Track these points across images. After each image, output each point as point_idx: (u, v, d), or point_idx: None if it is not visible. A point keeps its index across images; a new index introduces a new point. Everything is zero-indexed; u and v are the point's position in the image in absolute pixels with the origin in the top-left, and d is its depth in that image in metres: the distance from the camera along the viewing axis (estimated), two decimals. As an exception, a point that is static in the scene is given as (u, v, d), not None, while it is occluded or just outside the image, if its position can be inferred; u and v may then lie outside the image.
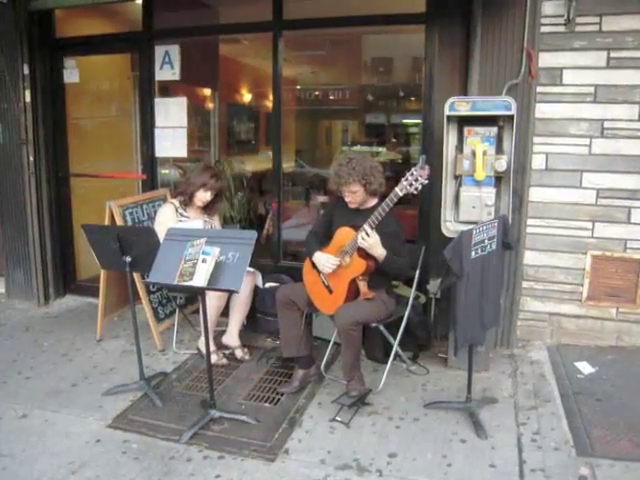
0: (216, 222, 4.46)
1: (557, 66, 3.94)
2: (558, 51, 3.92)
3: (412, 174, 3.18)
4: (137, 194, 5.23)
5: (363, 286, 3.45)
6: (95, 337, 4.54)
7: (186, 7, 5.24)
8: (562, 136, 4.00)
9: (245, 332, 4.42)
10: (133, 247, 3.47)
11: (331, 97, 7.44)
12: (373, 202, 3.58)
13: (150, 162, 5.22)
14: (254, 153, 8.04)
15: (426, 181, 3.19)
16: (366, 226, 3.29)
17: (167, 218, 4.15)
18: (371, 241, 3.28)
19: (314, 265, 3.60)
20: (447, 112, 3.63)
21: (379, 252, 3.35)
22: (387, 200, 3.25)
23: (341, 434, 3.19)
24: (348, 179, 3.42)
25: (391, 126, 7.91)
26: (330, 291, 3.54)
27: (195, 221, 4.22)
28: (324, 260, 3.51)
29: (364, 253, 3.37)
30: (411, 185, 3.19)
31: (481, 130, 3.63)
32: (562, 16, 3.84)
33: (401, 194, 3.22)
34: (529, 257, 4.20)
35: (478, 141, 3.60)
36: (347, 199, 3.54)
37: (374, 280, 3.49)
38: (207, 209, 4.34)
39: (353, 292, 3.49)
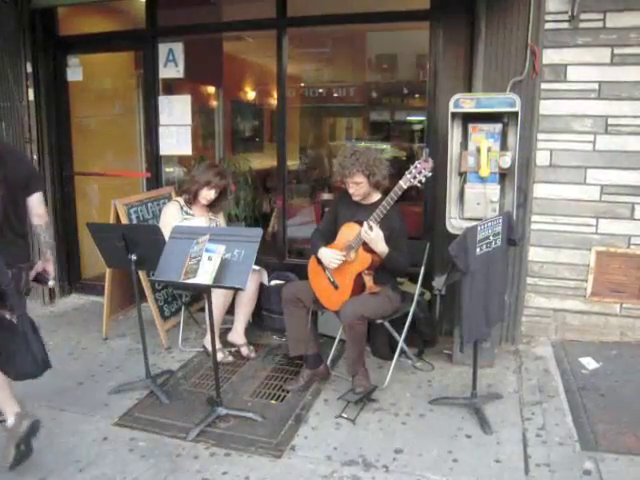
0: (221, 220, 4.47)
1: (561, 62, 3.94)
2: (562, 47, 3.91)
3: (416, 167, 3.22)
4: (142, 192, 5.22)
5: (369, 280, 3.47)
6: (101, 335, 4.54)
7: (190, 4, 5.23)
8: (566, 132, 4.00)
9: (251, 330, 4.43)
10: (138, 245, 3.47)
11: (335, 94, 7.41)
12: (377, 197, 3.59)
13: (154, 160, 5.22)
14: (259, 150, 8.03)
15: (429, 174, 3.22)
16: (371, 220, 3.31)
17: (172, 216, 4.16)
18: (373, 234, 3.29)
19: (319, 261, 3.61)
20: (452, 109, 3.64)
21: (380, 248, 3.37)
22: (391, 193, 3.27)
23: (347, 430, 3.20)
24: (352, 169, 3.43)
25: (395, 123, 7.88)
26: (335, 287, 3.54)
27: (200, 219, 4.23)
28: (329, 255, 3.52)
29: (369, 247, 3.38)
30: (415, 178, 3.23)
31: (485, 127, 3.64)
32: (566, 12, 3.84)
33: (405, 187, 3.25)
34: (534, 253, 4.20)
35: (483, 138, 3.61)
36: (351, 190, 3.54)
37: (379, 276, 3.51)
38: (212, 207, 4.35)
39: (359, 287, 3.50)
